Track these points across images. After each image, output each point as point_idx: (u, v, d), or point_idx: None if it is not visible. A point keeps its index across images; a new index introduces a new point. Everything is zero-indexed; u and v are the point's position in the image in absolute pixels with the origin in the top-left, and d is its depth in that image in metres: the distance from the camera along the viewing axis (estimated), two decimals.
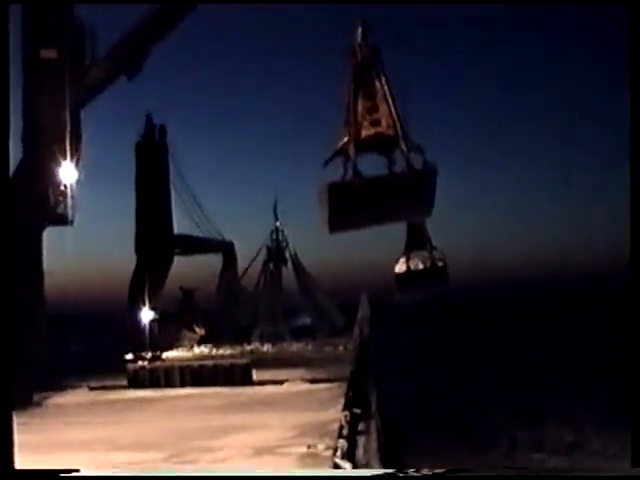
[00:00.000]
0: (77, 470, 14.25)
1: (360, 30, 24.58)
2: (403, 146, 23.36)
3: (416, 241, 27.78)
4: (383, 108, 23.99)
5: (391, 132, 23.80)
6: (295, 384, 33.36)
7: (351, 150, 23.30)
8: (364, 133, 23.97)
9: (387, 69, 24.39)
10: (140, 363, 39.61)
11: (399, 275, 27.40)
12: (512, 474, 13.81)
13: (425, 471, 12.84)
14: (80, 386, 35.18)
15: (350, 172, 23.55)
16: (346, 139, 23.72)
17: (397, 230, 27.97)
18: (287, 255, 66.07)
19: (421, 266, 27.51)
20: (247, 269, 65.62)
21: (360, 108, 24.07)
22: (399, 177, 23.90)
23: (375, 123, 24.08)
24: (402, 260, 27.69)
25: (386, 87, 23.96)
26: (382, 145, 24.24)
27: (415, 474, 12.74)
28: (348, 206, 23.31)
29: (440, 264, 27.25)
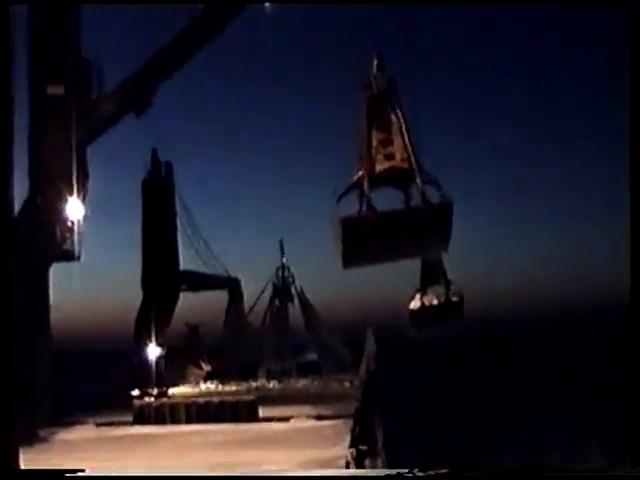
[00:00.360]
0: (82, 470, 14.27)
1: (375, 61, 24.25)
2: (418, 180, 23.01)
3: (431, 276, 27.46)
4: (397, 141, 23.60)
5: (405, 165, 23.40)
6: (301, 421, 33.30)
7: (365, 184, 23.01)
8: (378, 167, 23.58)
9: (403, 102, 24.10)
10: (146, 399, 39.58)
11: (413, 311, 27.05)
12: (512, 474, 13.79)
13: (425, 471, 12.84)
14: (87, 422, 35.15)
15: (364, 206, 23.39)
16: (360, 173, 23.45)
17: (404, 266, 27.69)
18: (293, 291, 66.10)
19: (435, 302, 27.14)
20: (253, 305, 65.61)
21: (374, 141, 23.73)
22: (414, 211, 23.47)
23: (389, 157, 23.71)
24: (417, 296, 27.41)
25: (402, 120, 23.60)
26: (397, 179, 23.92)
27: (415, 474, 12.74)
28: (362, 241, 22.98)
29: (455, 299, 26.85)
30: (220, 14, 37.69)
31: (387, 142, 23.43)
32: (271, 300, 65.59)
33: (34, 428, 30.52)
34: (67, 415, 36.03)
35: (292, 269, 66.83)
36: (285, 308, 65.64)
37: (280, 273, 66.25)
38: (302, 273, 70.44)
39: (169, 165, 60.64)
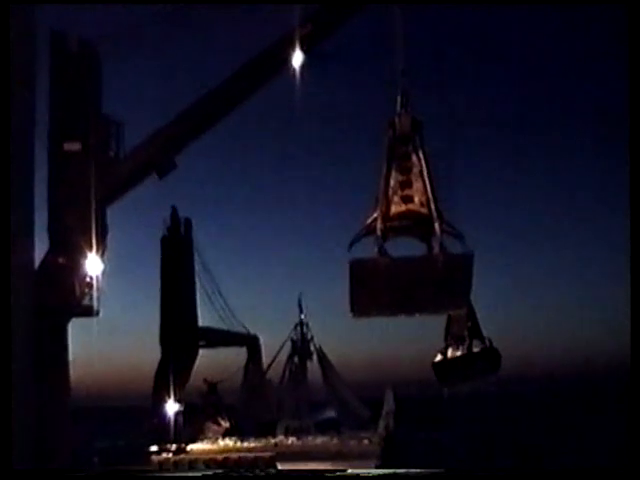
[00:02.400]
0: (81, 470, 14.18)
1: (399, 98, 22.89)
2: (437, 226, 21.49)
3: (455, 328, 25.47)
4: (417, 185, 21.92)
5: (424, 211, 21.69)
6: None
7: (378, 226, 21.59)
8: (394, 209, 21.83)
9: (426, 144, 22.71)
10: (165, 455, 39.45)
11: (435, 364, 25.16)
12: (512, 474, 13.58)
13: (426, 471, 12.69)
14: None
15: (376, 250, 21.84)
16: (375, 215, 22.06)
17: (427, 322, 26.27)
18: (312, 348, 65.83)
19: (458, 353, 25.21)
20: (272, 362, 65.38)
21: (392, 182, 22.18)
22: (431, 260, 21.77)
23: (407, 199, 21.97)
24: (440, 351, 25.67)
25: (423, 162, 22.11)
26: (413, 224, 22.44)
27: (416, 474, 12.59)
28: (373, 288, 21.33)
29: (476, 349, 24.88)
30: (252, 75, 38.03)
31: (406, 184, 21.72)
32: (290, 357, 65.32)
33: None
34: (85, 469, 35.82)
35: (311, 325, 66.69)
36: (304, 365, 65.33)
37: (299, 330, 66.06)
38: (321, 330, 70.28)
39: (188, 222, 61.09)
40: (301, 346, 65.41)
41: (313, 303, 65.61)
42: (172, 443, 45.80)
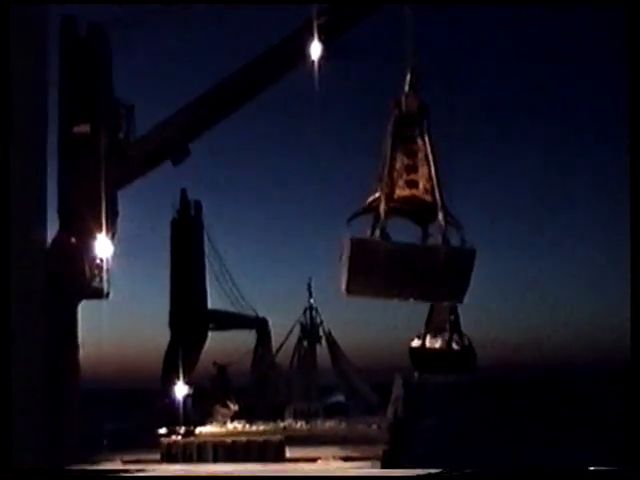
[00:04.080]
0: (79, 470, 14.23)
1: (408, 78, 22.16)
2: (440, 216, 21.02)
3: (437, 320, 25.16)
4: (423, 170, 21.25)
5: (428, 198, 21.13)
6: (328, 462, 33.08)
7: (382, 208, 21.04)
8: (398, 192, 21.17)
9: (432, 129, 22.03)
10: (173, 438, 39.49)
11: (412, 349, 24.85)
12: (512, 474, 13.54)
13: (425, 471, 12.68)
14: (114, 459, 35.11)
15: (377, 232, 21.33)
16: (377, 195, 21.54)
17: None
18: (321, 333, 65.94)
19: (437, 345, 24.89)
20: (281, 346, 65.54)
21: (398, 164, 21.65)
22: (431, 250, 21.38)
23: (412, 184, 21.29)
24: (419, 336, 25.30)
25: (429, 147, 21.58)
26: (416, 210, 22.03)
27: (416, 474, 12.59)
28: (371, 269, 20.93)
29: (456, 347, 24.56)
30: (270, 65, 37.82)
31: (411, 168, 21.05)
32: (299, 341, 65.50)
33: (62, 463, 30.48)
34: (94, 452, 35.99)
35: (320, 310, 66.77)
36: (313, 349, 65.49)
37: (308, 314, 66.18)
38: (330, 314, 70.36)
39: (198, 205, 61.07)
40: (310, 330, 65.58)
41: (323, 287, 65.47)
42: (181, 426, 45.88)
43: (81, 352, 37.28)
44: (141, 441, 40.28)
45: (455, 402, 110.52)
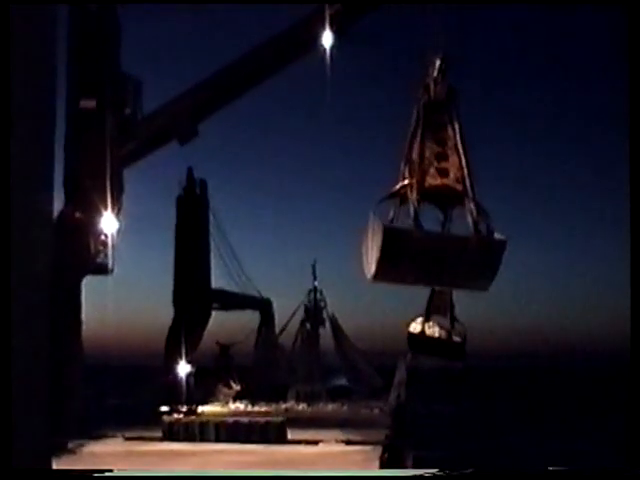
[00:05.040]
0: (76, 470, 14.08)
1: (438, 63, 21.67)
2: (472, 206, 20.75)
3: (437, 306, 25.06)
4: (453, 159, 20.99)
5: (459, 187, 20.85)
6: (330, 445, 33.01)
7: (414, 196, 20.74)
8: (429, 181, 20.89)
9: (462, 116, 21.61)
10: (175, 416, 39.45)
11: (412, 334, 24.78)
12: (512, 474, 13.42)
13: (425, 471, 12.53)
14: (115, 436, 35.08)
15: (399, 219, 21.09)
16: (406, 182, 21.28)
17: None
18: (325, 315, 65.88)
19: (437, 335, 24.78)
20: (284, 327, 65.50)
21: (427, 152, 21.36)
22: (463, 240, 21.21)
23: (443, 172, 21.02)
24: (420, 319, 25.18)
25: (458, 135, 21.30)
26: (447, 199, 21.78)
27: (415, 474, 12.44)
28: (401, 257, 20.73)
29: (457, 339, 24.51)
30: (282, 49, 37.54)
31: (442, 156, 20.80)
32: (302, 323, 65.44)
33: (64, 440, 30.45)
34: (96, 428, 35.94)
35: (324, 292, 66.70)
36: (316, 331, 65.42)
37: (312, 296, 66.10)
38: (334, 297, 70.31)
39: (204, 183, 60.88)
40: (314, 312, 65.51)
41: (327, 270, 65.52)
42: (183, 404, 45.86)
43: (84, 328, 37.19)
44: (143, 418, 40.25)
45: (456, 389, 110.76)
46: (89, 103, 37.25)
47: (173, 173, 60.70)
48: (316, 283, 66.41)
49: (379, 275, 20.39)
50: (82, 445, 31.94)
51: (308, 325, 65.65)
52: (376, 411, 46.96)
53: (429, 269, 20.53)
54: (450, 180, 20.61)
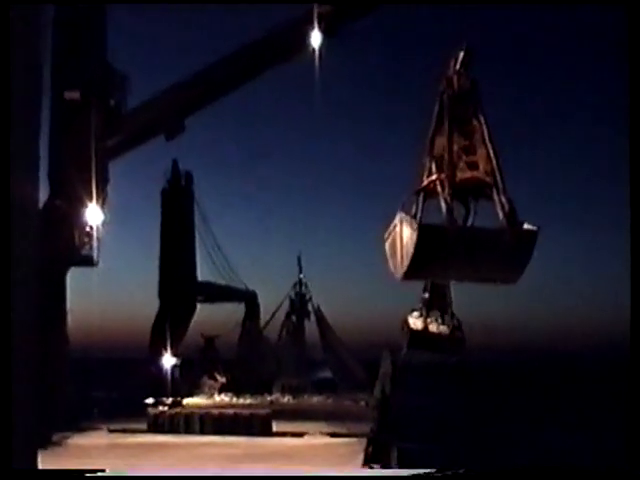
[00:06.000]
0: (74, 470, 14.08)
1: (462, 55, 21.38)
2: (503, 198, 20.58)
3: (438, 301, 25.02)
4: (481, 151, 20.87)
5: (489, 179, 20.71)
6: (315, 437, 33.08)
7: (446, 191, 20.55)
8: (459, 175, 20.91)
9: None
10: (160, 408, 39.43)
11: (415, 332, 24.75)
12: (512, 474, 13.49)
13: (425, 471, 12.57)
14: (100, 428, 35.06)
15: (423, 215, 20.85)
16: (434, 177, 21.09)
17: (421, 288, 26.11)
18: (310, 308, 65.92)
19: (440, 330, 24.77)
20: (270, 320, 65.54)
21: (455, 146, 21.22)
22: (497, 233, 21.01)
23: (472, 166, 20.84)
24: (416, 314, 25.11)
25: (484, 127, 21.14)
26: (474, 192, 21.57)
27: (415, 474, 12.49)
28: (436, 254, 20.54)
29: (459, 334, 24.57)
30: (270, 49, 37.43)
31: (470, 149, 20.73)
32: (288, 315, 65.46)
33: (48, 432, 30.38)
34: (81, 420, 35.90)
35: (309, 285, 66.77)
36: (301, 324, 65.46)
37: (297, 289, 66.14)
38: (320, 289, 70.38)
39: (189, 175, 60.80)
40: (299, 305, 65.54)
41: (312, 262, 65.62)
42: (168, 396, 45.86)
43: (69, 320, 37.08)
44: (128, 410, 40.24)
45: (443, 382, 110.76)
46: (73, 94, 37.08)
47: (158, 165, 60.58)
48: (301, 275, 66.52)
49: (411, 273, 20.17)
50: (67, 437, 31.92)
51: (293, 317, 65.69)
52: (361, 404, 47.07)
53: (464, 264, 20.31)
54: (480, 173, 20.39)
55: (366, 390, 54.38)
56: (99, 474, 12.60)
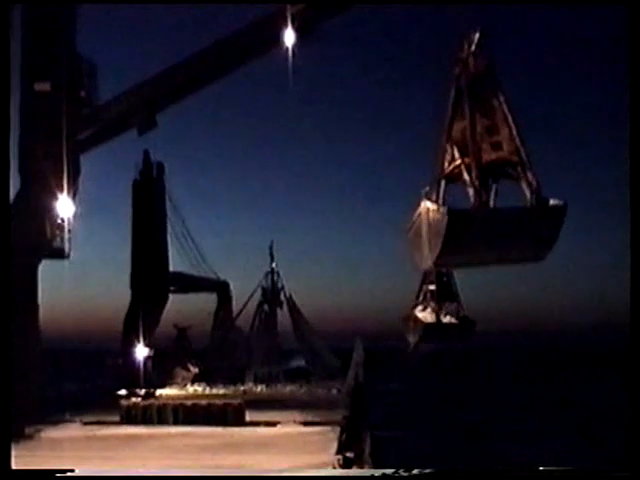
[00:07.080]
0: (72, 470, 14.17)
1: (477, 37, 20.53)
2: (530, 176, 20.31)
3: (446, 292, 24.85)
4: (504, 131, 20.65)
5: (515, 158, 20.43)
6: (288, 426, 33.21)
7: (473, 175, 20.21)
8: (485, 157, 20.59)
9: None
10: (133, 399, 39.42)
11: (428, 325, 24.67)
12: (511, 474, 13.68)
13: (424, 471, 12.73)
14: (73, 420, 35.04)
15: (445, 199, 20.58)
16: (458, 162, 20.70)
17: (399, 276, 26.14)
18: (282, 297, 66.16)
19: (449, 319, 24.74)
20: (242, 309, 65.74)
21: (478, 127, 20.83)
22: (527, 211, 20.74)
23: (496, 146, 20.61)
24: (422, 308, 25.00)
25: (504, 106, 20.80)
26: (499, 173, 21.22)
27: (414, 474, 12.64)
28: (467, 239, 20.21)
29: (469, 323, 24.57)
30: (244, 45, 37.26)
31: (493, 130, 20.33)
32: (260, 305, 65.69)
33: (21, 425, 30.34)
34: (54, 413, 35.85)
35: (282, 274, 66.97)
36: (274, 313, 65.72)
37: (269, 278, 66.36)
38: (292, 279, 70.66)
39: (160, 166, 60.68)
40: (271, 294, 65.82)
41: (284, 251, 65.79)
42: (141, 388, 45.86)
43: (41, 312, 36.97)
44: (101, 402, 40.25)
45: (421, 368, 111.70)
46: (43, 85, 36.88)
47: (130, 156, 60.36)
48: (274, 265, 66.70)
49: (442, 260, 19.83)
50: (40, 430, 31.85)
51: (266, 307, 65.92)
52: (334, 392, 47.30)
53: (495, 246, 20.03)
54: (505, 153, 20.13)
55: (339, 378, 54.85)
56: (68, 474, 12.69)
